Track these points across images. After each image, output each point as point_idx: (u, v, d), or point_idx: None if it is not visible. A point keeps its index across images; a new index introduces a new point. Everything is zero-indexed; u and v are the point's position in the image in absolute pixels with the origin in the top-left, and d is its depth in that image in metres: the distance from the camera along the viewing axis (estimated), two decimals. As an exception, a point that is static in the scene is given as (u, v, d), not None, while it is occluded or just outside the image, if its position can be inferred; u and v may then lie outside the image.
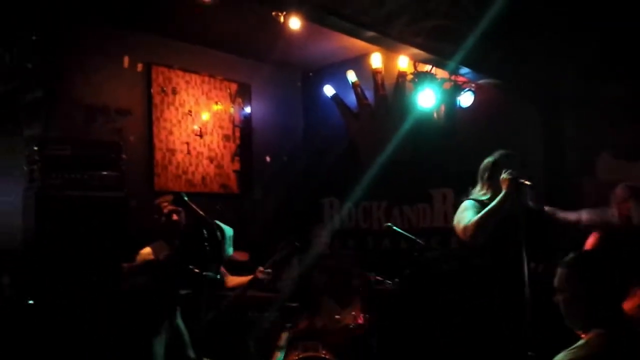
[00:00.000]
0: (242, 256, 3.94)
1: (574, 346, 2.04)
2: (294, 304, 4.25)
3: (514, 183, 3.11)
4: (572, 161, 4.73)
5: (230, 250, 2.34)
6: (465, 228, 3.24)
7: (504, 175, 3.18)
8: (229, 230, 2.35)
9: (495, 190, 3.36)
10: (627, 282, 2.19)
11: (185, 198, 2.26)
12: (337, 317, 4.33)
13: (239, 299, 3.70)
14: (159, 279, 2.15)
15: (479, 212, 3.26)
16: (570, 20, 4.32)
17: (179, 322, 2.24)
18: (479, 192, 3.48)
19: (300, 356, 3.85)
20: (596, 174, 4.58)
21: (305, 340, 4.02)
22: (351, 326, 4.25)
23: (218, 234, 2.16)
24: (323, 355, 3.89)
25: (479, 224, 3.16)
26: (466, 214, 3.32)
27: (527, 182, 3.08)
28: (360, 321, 4.25)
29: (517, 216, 3.00)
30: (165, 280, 2.14)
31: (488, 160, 3.49)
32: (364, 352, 4.16)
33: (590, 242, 3.71)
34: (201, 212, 2.28)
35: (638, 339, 2.03)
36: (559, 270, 2.13)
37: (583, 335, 2.10)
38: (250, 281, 3.83)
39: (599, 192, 4.12)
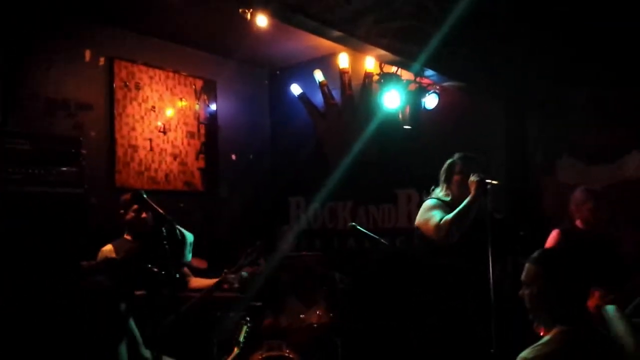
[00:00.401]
0: (201, 263, 3.89)
1: (537, 343, 2.08)
2: (258, 303, 4.22)
3: (481, 185, 3.16)
4: (534, 163, 4.83)
5: (189, 257, 2.30)
6: (438, 226, 3.26)
7: (471, 178, 3.24)
8: (189, 236, 2.31)
9: (455, 191, 3.42)
10: (590, 282, 2.25)
11: (144, 195, 2.21)
12: (301, 316, 4.33)
13: (205, 299, 3.66)
14: (119, 278, 2.09)
15: (445, 211, 3.30)
16: (535, 23, 4.41)
17: (131, 322, 2.19)
18: (440, 192, 3.53)
19: (264, 355, 3.84)
20: (557, 176, 4.69)
21: (269, 340, 4.01)
22: (315, 325, 4.25)
23: (178, 233, 2.11)
24: (287, 354, 3.88)
25: (453, 222, 3.21)
26: (434, 213, 3.35)
27: (494, 182, 3.14)
28: (324, 320, 4.25)
29: (482, 218, 3.06)
30: (125, 280, 2.09)
31: (447, 162, 3.55)
32: (328, 351, 4.17)
33: (551, 238, 3.82)
34: (160, 211, 2.23)
35: (599, 337, 2.09)
36: (527, 266, 2.17)
37: (542, 333, 2.15)
38: (217, 283, 3.81)
39: (559, 193, 4.22)
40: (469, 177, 3.26)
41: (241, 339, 2.69)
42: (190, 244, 2.38)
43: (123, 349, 2.02)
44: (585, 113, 4.52)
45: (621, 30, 4.21)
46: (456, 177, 3.46)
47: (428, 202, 3.49)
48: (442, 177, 3.57)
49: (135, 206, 3.48)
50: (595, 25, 4.23)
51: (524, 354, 2.04)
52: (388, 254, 4.18)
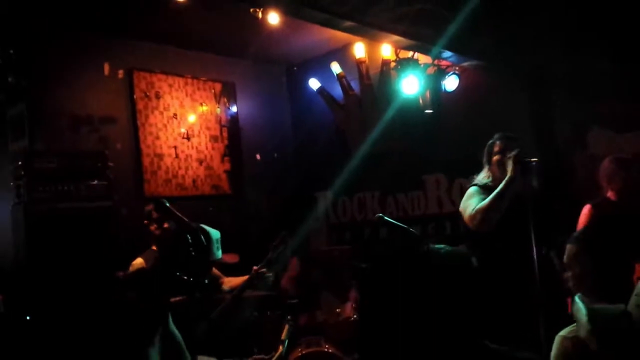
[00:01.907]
0: (232, 258, 3.91)
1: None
2: (294, 301, 4.23)
3: (518, 161, 3.05)
4: (562, 136, 4.71)
5: (219, 253, 2.31)
6: (471, 216, 3.16)
7: (508, 155, 3.12)
8: (215, 233, 2.31)
9: (496, 173, 3.30)
10: (630, 256, 2.19)
11: (167, 204, 2.22)
12: (337, 310, 4.32)
13: (236, 300, 3.68)
14: (148, 288, 2.12)
15: (483, 197, 3.21)
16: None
17: (172, 328, 2.21)
18: (482, 175, 3.43)
19: (304, 352, 3.83)
20: (587, 148, 4.57)
21: (307, 336, 4.01)
22: (352, 318, 4.24)
23: (202, 238, 2.13)
24: (326, 350, 3.87)
25: (487, 209, 3.09)
26: (471, 202, 3.25)
27: (532, 160, 3.02)
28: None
29: (524, 198, 2.95)
30: (153, 289, 2.12)
31: (488, 143, 3.44)
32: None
33: (583, 214, 3.70)
34: (184, 218, 2.24)
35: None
36: (568, 247, 2.13)
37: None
38: (246, 282, 3.81)
39: (591, 165, 4.10)
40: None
41: (284, 337, 2.70)
42: (218, 240, 2.38)
43: (155, 358, 2.05)
44: (611, 83, 4.38)
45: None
46: (495, 158, 3.34)
47: (468, 191, 3.39)
48: (484, 159, 3.46)
49: (156, 215, 3.52)
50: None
51: (563, 332, 2.01)
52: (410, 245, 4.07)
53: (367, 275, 4.19)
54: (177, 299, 2.40)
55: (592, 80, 4.50)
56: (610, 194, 3.71)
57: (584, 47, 4.45)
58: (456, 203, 4.08)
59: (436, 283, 3.23)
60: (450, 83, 4.83)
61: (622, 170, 3.65)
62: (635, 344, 1.76)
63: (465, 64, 4.77)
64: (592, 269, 2.05)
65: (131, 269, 3.78)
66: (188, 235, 2.13)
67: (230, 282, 4.18)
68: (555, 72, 4.71)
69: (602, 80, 4.44)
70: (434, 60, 4.79)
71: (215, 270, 4.06)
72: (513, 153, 3.08)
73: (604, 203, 3.68)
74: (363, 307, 4.15)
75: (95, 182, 4.08)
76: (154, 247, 3.92)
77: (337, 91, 5.83)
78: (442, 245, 3.55)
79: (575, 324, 2.03)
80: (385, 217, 3.36)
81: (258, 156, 6.02)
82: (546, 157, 4.65)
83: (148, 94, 5.16)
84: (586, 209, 3.68)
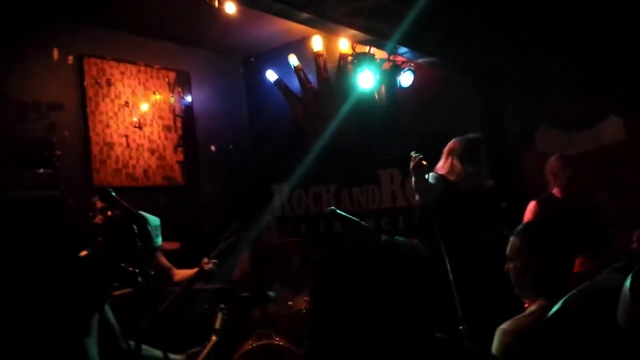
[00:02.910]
0: (173, 245, 3.84)
1: (520, 315, 2.08)
2: (245, 294, 4.20)
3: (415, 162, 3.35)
4: (511, 135, 4.84)
5: (159, 240, 2.27)
6: None
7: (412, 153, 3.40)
8: (154, 220, 2.28)
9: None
10: (572, 252, 2.25)
11: (112, 193, 2.17)
12: (289, 303, 4.32)
13: (185, 292, 3.63)
14: (84, 278, 2.07)
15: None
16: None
17: (109, 317, 2.17)
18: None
19: (254, 345, 3.83)
20: (535, 146, 4.70)
21: (258, 329, 4.00)
22: (304, 311, 4.25)
23: (149, 228, 2.09)
24: (277, 342, 3.87)
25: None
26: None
27: (423, 162, 3.33)
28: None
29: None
30: (91, 279, 2.07)
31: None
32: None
33: (529, 209, 3.82)
34: (131, 207, 2.19)
35: None
36: (511, 239, 2.17)
37: (527, 305, 2.15)
38: (196, 274, 3.76)
39: (539, 163, 4.22)
40: None
41: (217, 326, 2.66)
42: (157, 227, 2.34)
43: (93, 349, 2.00)
44: (560, 83, 4.52)
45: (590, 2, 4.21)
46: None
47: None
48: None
49: (101, 205, 3.42)
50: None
51: (504, 325, 2.04)
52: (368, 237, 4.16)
53: (324, 269, 4.22)
54: (122, 291, 2.35)
55: (542, 80, 4.63)
56: (555, 191, 3.84)
57: (534, 47, 4.57)
58: (409, 198, 4.16)
59: (395, 275, 3.36)
60: (406, 79, 4.88)
61: (567, 167, 3.79)
62: None
63: (420, 60, 4.83)
64: (533, 264, 2.09)
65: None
66: (134, 225, 2.09)
67: (180, 274, 4.12)
68: (507, 71, 4.83)
69: (551, 80, 4.58)
70: (389, 55, 4.83)
71: (165, 262, 3.99)
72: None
73: (549, 199, 3.81)
74: (319, 301, 4.17)
75: (42, 170, 3.96)
76: (100, 239, 3.82)
77: (294, 84, 5.81)
78: (398, 237, 3.68)
79: (517, 316, 2.08)
80: (338, 210, 3.37)
81: (213, 147, 5.94)
82: (494, 153, 4.78)
83: (99, 81, 5.01)
84: (532, 205, 3.81)
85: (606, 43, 4.29)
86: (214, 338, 2.58)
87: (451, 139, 3.94)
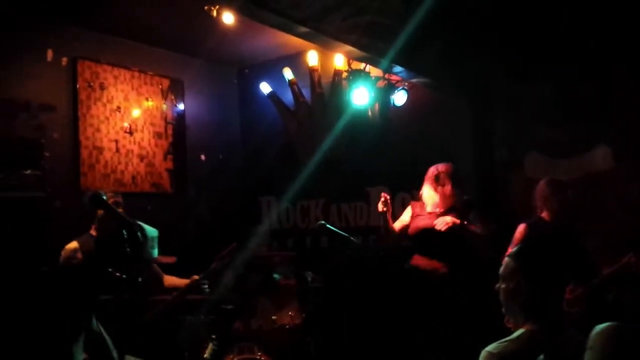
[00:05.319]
0: (169, 259, 3.82)
1: (506, 338, 2.08)
2: (229, 306, 4.16)
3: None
4: (501, 158, 4.87)
5: (154, 252, 2.24)
6: None
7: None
8: (152, 231, 2.24)
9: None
10: (564, 280, 2.26)
11: (104, 197, 2.14)
12: (273, 317, 4.27)
13: (176, 301, 3.60)
14: (76, 283, 2.03)
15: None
16: (499, 20, 4.44)
17: (96, 324, 2.12)
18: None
19: (236, 359, 3.77)
20: (524, 171, 4.73)
21: (240, 342, 3.94)
22: (288, 326, 4.21)
23: (139, 234, 2.06)
24: (259, 357, 3.82)
25: None
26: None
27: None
28: (296, 321, 4.21)
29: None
30: (81, 284, 2.03)
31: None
32: (301, 353, 4.12)
33: (518, 232, 3.83)
34: (121, 213, 2.16)
35: (564, 340, 2.07)
36: (506, 260, 2.17)
37: (512, 328, 2.14)
38: (185, 289, 3.73)
39: (527, 188, 4.25)
40: None
41: (208, 356, 2.64)
42: (154, 238, 2.31)
43: (79, 356, 1.96)
44: (550, 108, 4.57)
45: (583, 26, 4.28)
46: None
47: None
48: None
49: (101, 212, 3.39)
50: (557, 24, 4.30)
51: (489, 347, 2.04)
52: (359, 252, 4.22)
53: (314, 285, 4.23)
54: (106, 297, 2.31)
55: (532, 105, 4.68)
56: (544, 214, 3.86)
57: (526, 73, 4.63)
58: (397, 216, 4.18)
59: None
60: (399, 98, 4.91)
61: (558, 192, 3.81)
62: None
63: (414, 80, 4.86)
64: (526, 286, 2.09)
65: (64, 252, 3.63)
66: (124, 231, 2.06)
67: (171, 280, 4.08)
68: (498, 95, 4.88)
69: (541, 106, 4.63)
70: (384, 73, 4.86)
71: (157, 268, 3.95)
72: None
73: (538, 223, 3.83)
74: (311, 315, 4.21)
75: (29, 171, 3.89)
76: (93, 232, 3.77)
77: (288, 97, 5.81)
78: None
79: (503, 340, 2.08)
80: (327, 225, 3.36)
81: (203, 156, 5.91)
82: (484, 176, 4.82)
83: (92, 84, 4.97)
84: (521, 228, 3.82)
85: (594, 71, 4.36)
86: None
87: (441, 160, 3.99)
